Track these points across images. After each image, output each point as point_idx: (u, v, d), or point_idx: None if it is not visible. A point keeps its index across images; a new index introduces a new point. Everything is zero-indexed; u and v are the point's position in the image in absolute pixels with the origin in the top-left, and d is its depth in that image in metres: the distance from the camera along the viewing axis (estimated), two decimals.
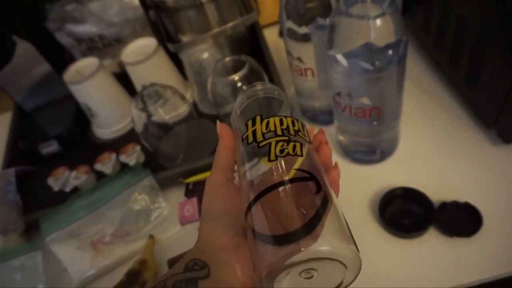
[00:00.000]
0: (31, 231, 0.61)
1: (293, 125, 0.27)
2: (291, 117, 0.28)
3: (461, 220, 0.47)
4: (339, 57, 0.43)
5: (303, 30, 0.50)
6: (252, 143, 0.27)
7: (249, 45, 0.75)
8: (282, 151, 0.25)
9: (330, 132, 0.62)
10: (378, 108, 0.47)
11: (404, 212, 0.49)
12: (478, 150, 0.54)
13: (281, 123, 0.27)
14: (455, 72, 0.59)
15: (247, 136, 0.27)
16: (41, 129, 0.73)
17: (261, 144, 0.26)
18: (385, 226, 0.48)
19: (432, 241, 0.47)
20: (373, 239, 0.48)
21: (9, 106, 0.81)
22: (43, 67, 0.77)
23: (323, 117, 0.64)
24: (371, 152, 0.56)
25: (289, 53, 0.55)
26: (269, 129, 0.27)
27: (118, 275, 0.53)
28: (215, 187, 0.29)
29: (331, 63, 0.45)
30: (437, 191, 0.50)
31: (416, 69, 0.68)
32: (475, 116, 0.58)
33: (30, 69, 0.74)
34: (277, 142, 0.26)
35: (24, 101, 0.76)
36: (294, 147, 0.26)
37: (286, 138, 0.26)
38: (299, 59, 0.54)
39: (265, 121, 0.27)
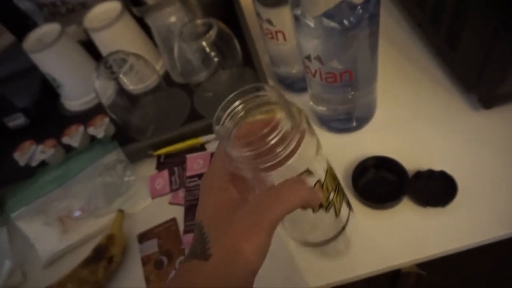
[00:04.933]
0: None
1: None
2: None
3: (435, 189, 0.45)
4: (304, 16, 0.39)
5: None
6: None
7: (223, 9, 0.71)
8: None
9: (305, 100, 0.59)
10: (349, 72, 0.44)
11: (378, 182, 0.47)
12: (457, 116, 0.52)
13: None
14: (436, 34, 0.55)
15: None
16: (6, 102, 0.69)
17: None
18: (358, 197, 0.46)
19: (405, 211, 0.45)
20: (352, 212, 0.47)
21: None
22: (6, 37, 0.72)
23: (300, 84, 0.61)
24: (347, 119, 0.53)
25: (258, 14, 0.51)
26: None
27: (87, 251, 0.52)
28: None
29: (297, 24, 0.41)
30: (413, 160, 0.48)
31: (398, 32, 0.64)
32: (456, 80, 0.55)
33: None
34: None
35: None
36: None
37: None
38: (269, 21, 0.50)
39: None
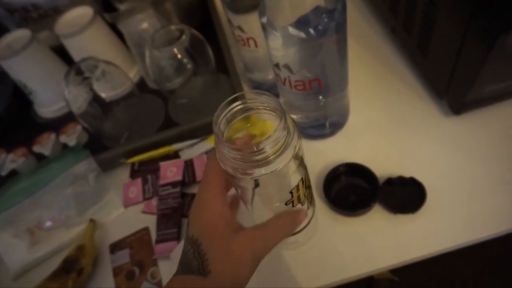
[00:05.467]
0: None
1: None
2: None
3: (406, 196, 0.45)
4: (270, 25, 0.39)
5: None
6: None
7: (199, 15, 0.70)
8: None
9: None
10: (318, 80, 0.43)
11: (349, 189, 0.47)
12: (429, 123, 0.52)
13: None
14: (409, 39, 0.56)
15: None
16: None
17: None
18: (330, 204, 0.46)
19: (377, 218, 0.45)
20: (319, 217, 0.47)
21: None
22: None
23: (276, 90, 0.61)
24: (320, 126, 0.53)
25: (229, 21, 0.50)
26: None
27: (58, 262, 0.50)
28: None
29: (264, 32, 0.41)
30: (385, 166, 0.48)
31: (372, 36, 0.65)
32: (428, 86, 0.55)
33: None
34: None
35: None
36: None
37: None
38: (240, 28, 0.50)
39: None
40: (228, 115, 0.32)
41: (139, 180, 0.57)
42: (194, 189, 0.54)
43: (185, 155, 0.57)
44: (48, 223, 0.54)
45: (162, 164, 0.56)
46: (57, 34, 0.60)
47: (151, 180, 0.56)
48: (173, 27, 0.54)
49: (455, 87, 0.48)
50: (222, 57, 0.61)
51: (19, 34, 0.62)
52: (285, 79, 0.45)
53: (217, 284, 0.28)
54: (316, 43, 0.39)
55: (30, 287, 0.49)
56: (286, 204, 0.36)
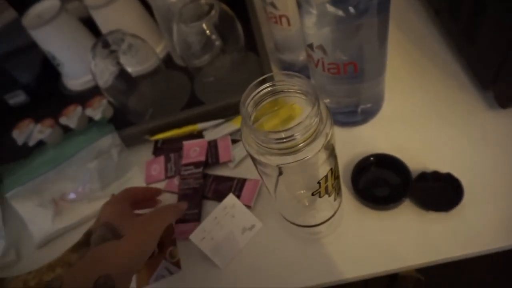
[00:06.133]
0: None
1: None
2: None
3: (440, 192, 0.42)
4: (306, 1, 0.36)
5: None
6: None
7: None
8: None
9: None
10: (354, 64, 0.40)
11: (379, 181, 0.44)
12: (471, 115, 0.48)
13: None
14: (455, 24, 0.51)
15: None
16: (7, 78, 0.68)
17: None
18: (357, 196, 0.44)
19: (407, 214, 0.43)
20: (345, 209, 0.45)
21: None
22: (8, 12, 0.71)
23: (307, 72, 0.58)
24: (352, 113, 0.51)
25: None
26: None
27: (81, 234, 0.51)
28: None
29: (300, 9, 0.38)
30: (419, 160, 0.45)
31: (412, 19, 0.60)
32: (472, 75, 0.51)
33: None
34: None
35: None
36: None
37: None
38: (272, 5, 0.47)
39: None
40: (256, 97, 0.30)
41: (162, 158, 0.56)
42: (216, 171, 0.53)
43: (209, 135, 0.55)
44: (72, 195, 0.55)
45: (186, 143, 0.55)
46: (86, 4, 0.59)
47: (174, 158, 0.55)
48: (202, 1, 0.52)
49: (504, 78, 0.44)
50: (252, 35, 0.58)
51: (49, 4, 0.61)
52: (318, 61, 0.42)
53: (129, 244, 0.36)
54: (355, 23, 0.36)
55: (52, 257, 0.50)
56: (312, 194, 0.34)
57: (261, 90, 0.30)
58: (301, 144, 0.28)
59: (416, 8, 0.61)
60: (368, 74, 0.43)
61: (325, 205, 0.41)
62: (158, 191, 0.47)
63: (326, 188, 0.35)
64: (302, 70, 0.58)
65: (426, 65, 0.54)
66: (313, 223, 0.41)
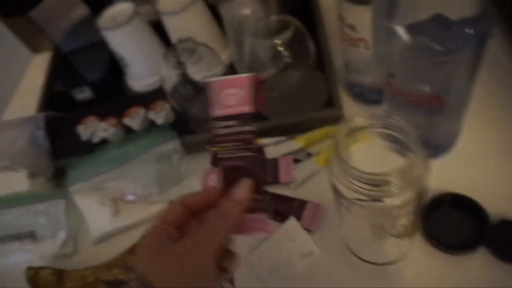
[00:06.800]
0: (60, 176, 0.62)
1: None
2: None
3: None
4: (400, 30, 0.35)
5: None
6: None
7: (298, 3, 0.67)
8: None
9: (375, 113, 0.55)
10: (439, 98, 0.39)
11: (452, 223, 0.42)
12: None
13: None
14: None
15: None
16: (76, 74, 0.71)
17: None
18: (427, 236, 0.41)
19: (480, 264, 0.40)
20: (413, 248, 0.42)
21: (48, 47, 0.80)
22: (82, 9, 0.74)
23: (372, 95, 0.56)
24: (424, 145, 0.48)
25: (341, 17, 0.46)
26: None
27: (137, 235, 0.52)
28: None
29: (388, 37, 0.37)
30: (499, 204, 0.42)
31: (496, 48, 0.57)
32: None
33: (69, 11, 0.71)
34: None
35: (63, 43, 0.75)
36: None
37: None
38: (351, 27, 0.46)
39: None
40: (353, 132, 0.30)
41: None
42: (276, 189, 0.52)
43: (270, 152, 0.55)
44: (131, 196, 0.56)
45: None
46: (159, 10, 0.60)
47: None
48: (277, 17, 0.52)
49: None
50: (320, 53, 0.57)
51: (122, 7, 0.63)
52: (399, 91, 0.40)
53: None
54: (451, 57, 0.35)
55: (107, 254, 0.52)
56: (392, 235, 0.33)
57: (359, 127, 0.29)
58: (395, 191, 0.27)
59: (500, 42, 0.58)
60: (452, 109, 0.41)
61: (394, 243, 0.39)
62: (218, 194, 0.33)
63: (405, 229, 0.33)
64: (367, 92, 0.56)
65: (509, 101, 0.51)
66: (379, 261, 0.39)
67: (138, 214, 0.55)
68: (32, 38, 0.87)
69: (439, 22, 0.33)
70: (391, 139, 0.31)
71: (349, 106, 0.56)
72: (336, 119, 0.54)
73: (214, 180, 0.56)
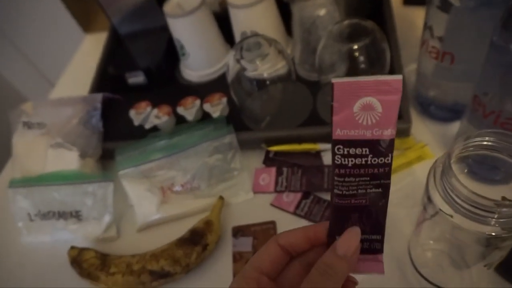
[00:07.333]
0: (107, 159, 0.61)
1: None
2: None
3: None
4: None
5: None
6: None
7: (368, 8, 0.64)
8: None
9: (444, 132, 0.53)
10: None
11: None
12: None
13: None
14: None
15: None
16: (131, 57, 0.71)
17: None
18: (500, 271, 0.39)
19: None
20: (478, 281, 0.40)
21: (105, 27, 0.80)
22: None
23: (439, 112, 0.54)
24: (493, 168, 0.46)
25: (429, 28, 0.44)
26: None
27: (180, 227, 0.51)
28: None
29: (494, 54, 0.35)
30: None
31: None
32: None
33: None
34: None
35: (120, 25, 0.74)
36: None
37: None
38: (440, 39, 0.43)
39: None
40: (464, 150, 0.28)
41: (273, 170, 0.55)
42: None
43: (327, 158, 0.53)
44: (179, 188, 0.55)
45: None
46: (228, 2, 0.59)
47: (286, 173, 0.54)
48: (352, 22, 0.50)
49: None
50: (391, 62, 0.55)
51: None
52: (491, 112, 0.38)
53: None
54: None
55: (149, 243, 0.51)
56: (484, 266, 0.31)
57: (474, 143, 0.27)
58: (497, 220, 0.25)
59: None
60: None
61: (468, 271, 0.37)
62: (322, 231, 0.26)
63: (499, 260, 0.31)
64: (434, 107, 0.54)
65: None
66: (441, 285, 0.37)
67: (185, 206, 0.54)
68: (86, 17, 0.88)
69: None
70: (499, 163, 0.29)
71: (413, 120, 0.54)
72: (402, 133, 0.52)
73: (265, 180, 0.55)
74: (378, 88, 0.22)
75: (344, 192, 0.24)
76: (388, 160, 0.23)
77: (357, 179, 0.24)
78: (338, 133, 0.23)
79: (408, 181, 0.50)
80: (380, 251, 0.25)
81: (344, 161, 0.24)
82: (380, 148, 0.23)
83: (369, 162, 0.23)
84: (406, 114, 0.51)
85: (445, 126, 0.54)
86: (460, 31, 0.41)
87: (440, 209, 0.29)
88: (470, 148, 0.29)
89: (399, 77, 0.22)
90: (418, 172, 0.51)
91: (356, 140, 0.23)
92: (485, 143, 0.29)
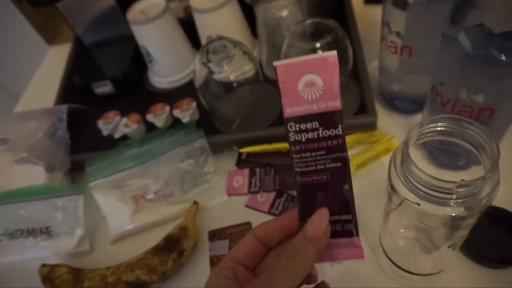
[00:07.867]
0: (76, 171, 0.60)
1: None
2: None
3: None
4: (463, 38, 0.34)
5: None
6: None
7: (330, 7, 0.66)
8: None
9: (410, 123, 0.54)
10: (491, 109, 0.38)
11: (492, 237, 0.41)
12: None
13: None
14: None
15: None
16: (97, 67, 0.70)
17: None
18: (465, 249, 0.40)
19: None
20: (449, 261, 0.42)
21: (69, 38, 0.79)
22: (107, 1, 0.72)
23: (403, 105, 0.56)
24: (457, 155, 0.48)
25: (387, 24, 0.46)
26: None
27: (156, 235, 0.50)
28: None
29: (446, 46, 0.36)
30: None
31: None
32: None
33: (94, 1, 0.69)
34: None
35: (84, 35, 0.73)
36: None
37: None
38: (398, 34, 0.45)
39: None
40: (421, 136, 0.29)
41: (246, 171, 0.55)
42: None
43: None
44: (152, 195, 0.54)
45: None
46: (192, 7, 0.59)
47: (259, 174, 0.54)
48: (314, 21, 0.51)
49: None
50: (354, 58, 0.56)
51: (153, 2, 0.61)
52: (448, 101, 0.39)
53: None
54: (509, 68, 0.34)
55: (124, 253, 0.50)
56: (449, 247, 0.32)
57: (428, 129, 0.28)
58: (456, 201, 0.26)
59: None
60: (498, 121, 0.40)
61: (437, 254, 0.38)
62: (295, 221, 0.27)
63: (462, 240, 0.32)
64: (400, 100, 0.56)
65: None
66: (414, 270, 0.38)
67: (159, 213, 0.54)
68: (49, 29, 0.86)
69: (506, 33, 0.32)
70: (455, 148, 0.30)
71: (379, 114, 0.56)
72: (369, 126, 0.53)
73: (239, 181, 0.55)
74: (317, 65, 0.24)
75: (303, 168, 0.25)
76: (339, 131, 0.25)
77: (313, 154, 0.25)
78: (288, 111, 0.25)
79: (377, 174, 0.52)
80: (354, 233, 0.26)
81: (298, 137, 0.25)
82: (328, 120, 0.25)
83: (321, 135, 0.25)
84: (372, 108, 0.52)
85: (410, 118, 0.56)
86: (415, 26, 0.43)
87: (405, 198, 0.30)
88: (428, 134, 0.30)
89: (333, 52, 0.24)
90: (386, 165, 0.52)
91: (305, 115, 0.25)
92: (438, 128, 0.30)
